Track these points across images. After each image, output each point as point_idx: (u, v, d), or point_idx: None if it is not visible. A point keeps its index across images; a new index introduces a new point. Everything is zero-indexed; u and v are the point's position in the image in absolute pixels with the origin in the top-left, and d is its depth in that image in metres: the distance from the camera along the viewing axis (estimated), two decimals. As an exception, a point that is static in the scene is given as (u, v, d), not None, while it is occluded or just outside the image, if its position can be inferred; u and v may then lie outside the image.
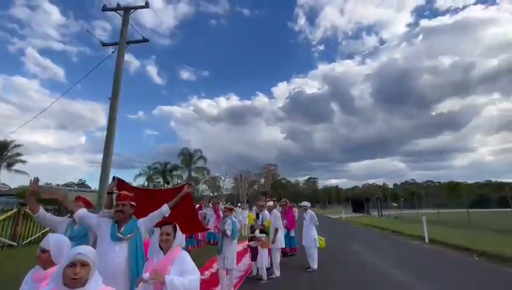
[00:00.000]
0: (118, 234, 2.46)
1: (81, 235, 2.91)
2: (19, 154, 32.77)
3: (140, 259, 2.51)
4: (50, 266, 1.81)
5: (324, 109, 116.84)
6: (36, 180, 2.81)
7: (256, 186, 70.47)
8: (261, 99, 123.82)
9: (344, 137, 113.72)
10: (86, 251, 1.56)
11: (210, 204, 11.22)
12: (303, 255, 6.77)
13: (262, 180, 71.86)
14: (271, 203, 6.90)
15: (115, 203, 2.68)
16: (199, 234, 9.34)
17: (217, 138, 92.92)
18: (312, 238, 6.37)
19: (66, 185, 60.09)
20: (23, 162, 32.98)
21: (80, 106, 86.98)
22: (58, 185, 50.94)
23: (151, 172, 44.25)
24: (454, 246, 9.06)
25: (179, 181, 44.92)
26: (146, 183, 42.94)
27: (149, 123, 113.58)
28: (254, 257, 5.86)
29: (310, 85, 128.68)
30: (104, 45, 9.62)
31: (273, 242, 5.94)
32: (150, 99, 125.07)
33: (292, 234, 7.10)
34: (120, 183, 3.35)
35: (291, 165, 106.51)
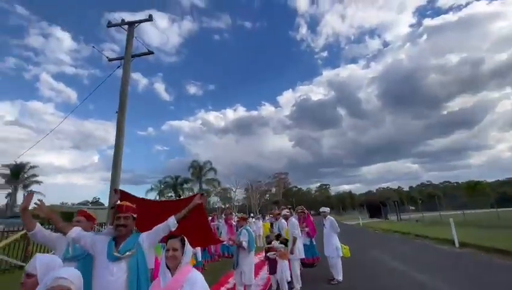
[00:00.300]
0: (115, 253, 2.11)
1: (85, 255, 2.59)
2: (34, 175, 33.59)
3: (143, 280, 2.14)
4: (36, 294, 1.52)
5: (331, 114, 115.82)
6: (30, 195, 2.50)
7: (267, 195, 69.56)
8: (267, 109, 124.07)
9: (353, 141, 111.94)
10: (68, 274, 1.26)
11: (223, 215, 10.86)
12: (325, 265, 6.28)
13: (274, 189, 70.94)
14: (286, 211, 6.49)
15: (116, 217, 2.36)
16: (212, 247, 8.95)
17: (225, 149, 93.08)
18: (334, 247, 5.89)
19: (82, 203, 61.02)
20: (39, 182, 33.76)
21: (92, 126, 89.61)
22: (73, 204, 51.67)
23: (162, 186, 44.36)
24: (489, 249, 8.31)
25: (190, 194, 44.72)
26: (158, 198, 42.97)
27: (159, 139, 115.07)
28: (273, 270, 5.42)
29: (316, 92, 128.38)
30: (111, 60, 9.66)
31: (291, 252, 5.51)
32: (158, 116, 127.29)
33: (314, 242, 6.62)
34: (124, 196, 3.06)
35: (301, 173, 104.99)
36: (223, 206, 55.31)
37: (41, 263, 1.55)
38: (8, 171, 30.81)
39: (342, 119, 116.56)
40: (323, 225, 6.27)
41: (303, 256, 5.88)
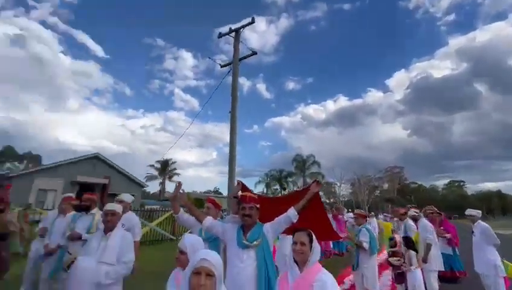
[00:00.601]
0: (244, 241, 2.23)
1: (213, 238, 2.92)
2: (175, 168, 43.07)
3: (271, 269, 2.19)
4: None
5: (464, 92, 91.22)
6: (179, 185, 3.04)
7: (378, 191, 62.27)
8: (374, 95, 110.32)
9: (502, 125, 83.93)
10: (211, 257, 1.31)
11: (332, 210, 10.38)
12: (475, 282, 4.86)
13: (386, 185, 62.75)
14: (415, 211, 5.42)
15: (240, 207, 2.51)
16: (323, 243, 8.68)
17: (327, 142, 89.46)
18: (492, 263, 4.43)
19: (206, 192, 73.84)
20: (178, 174, 43.05)
21: (210, 127, 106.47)
22: (201, 193, 63.07)
23: (268, 179, 47.46)
24: None
25: (294, 187, 45.88)
26: (265, 190, 46.32)
27: (263, 135, 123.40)
28: (399, 279, 4.63)
29: (439, 67, 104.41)
30: (222, 66, 10.92)
31: (424, 261, 4.52)
32: (261, 114, 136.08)
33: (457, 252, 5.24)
34: (244, 188, 3.26)
35: (421, 167, 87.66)
36: (327, 201, 53.71)
37: (189, 243, 1.77)
38: (159, 166, 40.98)
39: (481, 97, 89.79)
40: (472, 232, 4.83)
41: (441, 268, 4.74)
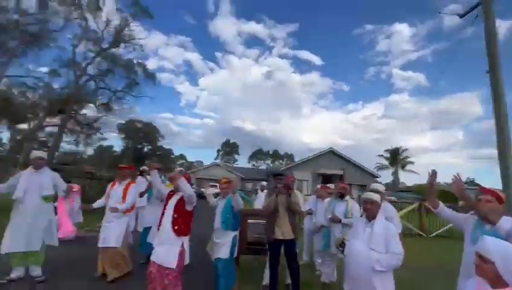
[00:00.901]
0: None
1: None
2: (407, 157, 38.61)
3: None
4: (499, 284, 1.30)
5: None
6: (432, 174, 2.61)
7: None
8: None
9: None
10: None
11: None
12: None
13: None
14: None
15: None
16: None
17: None
18: None
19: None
20: (412, 163, 38.15)
21: (446, 103, 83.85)
22: (445, 183, 51.38)
23: None
24: None
25: None
26: None
27: (554, 93, 76.72)
28: None
29: None
30: (462, 16, 8.17)
31: None
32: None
33: None
34: None
35: None
36: None
37: (496, 249, 1.33)
38: (388, 155, 38.79)
39: None
40: None
41: None
